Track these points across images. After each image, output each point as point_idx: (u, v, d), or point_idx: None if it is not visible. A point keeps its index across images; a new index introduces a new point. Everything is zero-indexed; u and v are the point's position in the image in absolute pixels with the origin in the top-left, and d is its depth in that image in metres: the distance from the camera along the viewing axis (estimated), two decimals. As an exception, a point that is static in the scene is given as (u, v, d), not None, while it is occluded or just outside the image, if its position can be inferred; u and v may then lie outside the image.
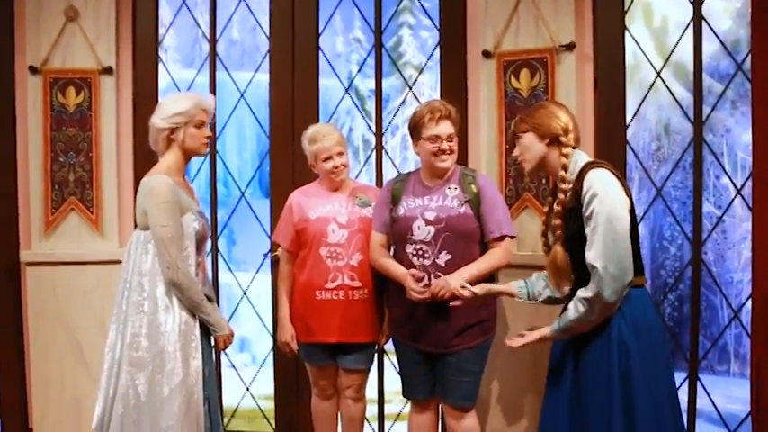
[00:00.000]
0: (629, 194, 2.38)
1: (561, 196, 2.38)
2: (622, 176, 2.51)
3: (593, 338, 2.34)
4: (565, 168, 2.39)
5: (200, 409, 2.52)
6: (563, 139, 2.42)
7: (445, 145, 2.83)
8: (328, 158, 3.06)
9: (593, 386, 2.33)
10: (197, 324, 2.56)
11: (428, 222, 2.79)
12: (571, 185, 2.37)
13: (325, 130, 3.12)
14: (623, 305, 2.31)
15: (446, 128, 2.83)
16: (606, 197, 2.27)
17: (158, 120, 2.63)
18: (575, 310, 2.33)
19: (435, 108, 2.86)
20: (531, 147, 2.47)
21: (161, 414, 2.47)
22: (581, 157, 2.43)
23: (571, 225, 2.37)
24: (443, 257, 2.77)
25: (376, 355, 3.40)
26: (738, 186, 3.43)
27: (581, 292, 2.32)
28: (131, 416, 2.50)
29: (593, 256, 2.27)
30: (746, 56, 3.22)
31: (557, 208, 2.38)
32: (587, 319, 2.31)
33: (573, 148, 2.44)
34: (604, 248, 2.25)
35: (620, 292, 2.27)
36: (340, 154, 3.06)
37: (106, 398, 2.56)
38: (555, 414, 2.44)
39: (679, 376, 3.38)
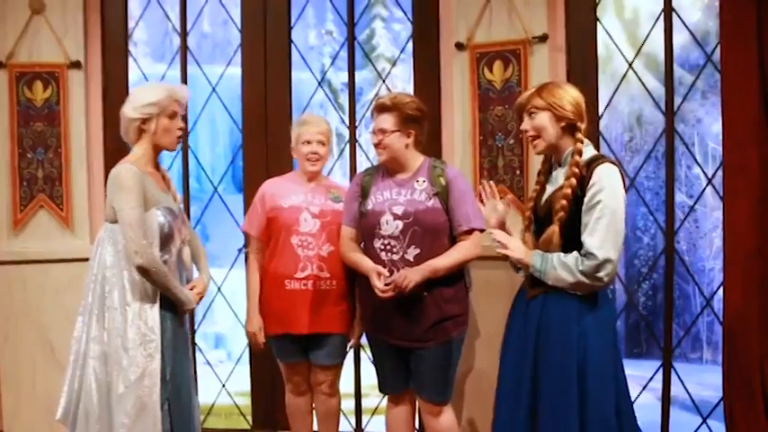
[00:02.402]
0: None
1: (573, 181, 2.36)
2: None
3: (556, 324, 2.37)
4: (579, 154, 2.39)
5: (156, 412, 2.46)
6: (579, 124, 2.41)
7: (375, 139, 2.82)
8: (308, 142, 3.05)
9: (551, 368, 2.36)
10: (158, 324, 2.50)
11: (396, 217, 2.77)
12: (582, 173, 2.37)
13: (314, 118, 3.12)
14: (589, 298, 2.36)
15: (379, 121, 2.81)
16: (615, 193, 2.30)
17: (129, 109, 2.56)
18: (566, 271, 2.33)
19: (377, 102, 2.85)
20: (547, 127, 2.43)
21: (116, 411, 2.44)
22: (589, 149, 2.43)
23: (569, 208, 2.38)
24: (412, 252, 2.75)
25: (352, 349, 3.40)
26: (709, 176, 3.48)
27: (580, 264, 2.32)
28: (94, 411, 2.47)
29: (595, 244, 2.29)
30: (716, 47, 3.25)
31: (567, 191, 2.36)
32: (566, 281, 2.34)
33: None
34: (606, 240, 2.28)
35: (604, 284, 2.32)
36: (320, 143, 3.04)
37: (71, 390, 2.53)
38: (516, 393, 2.45)
39: (653, 364, 3.44)
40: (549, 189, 2.48)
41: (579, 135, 2.40)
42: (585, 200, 2.32)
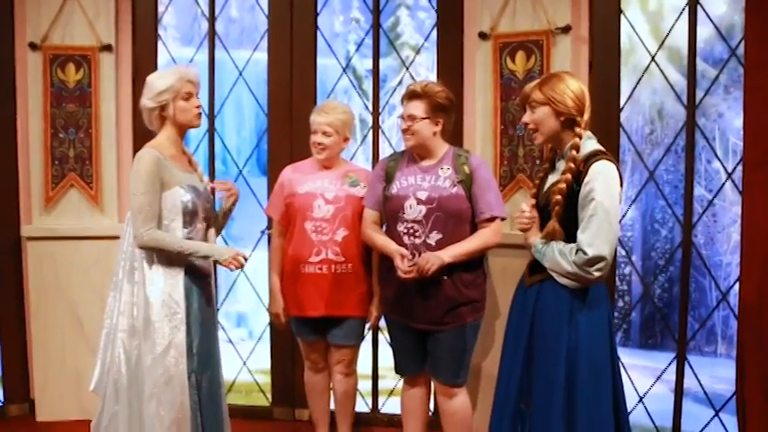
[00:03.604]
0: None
1: (568, 176, 2.36)
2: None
3: (550, 312, 2.40)
4: (577, 149, 2.38)
5: (184, 381, 2.53)
6: (579, 119, 2.41)
7: (404, 125, 2.84)
8: (314, 132, 3.07)
9: (542, 353, 2.40)
10: (182, 297, 2.56)
11: (420, 201, 2.79)
12: (579, 168, 2.37)
13: (328, 107, 3.10)
14: (582, 293, 2.37)
15: (409, 108, 2.84)
16: (609, 191, 2.30)
17: (146, 100, 2.64)
18: (563, 258, 2.36)
19: (409, 88, 2.87)
20: (545, 121, 2.43)
21: (144, 382, 2.52)
22: (590, 142, 2.42)
23: (566, 201, 2.38)
24: (434, 237, 2.77)
25: (370, 331, 3.41)
26: (729, 170, 3.43)
27: (573, 255, 2.34)
28: (122, 382, 2.55)
29: (586, 240, 2.30)
30: (740, 41, 3.20)
31: (561, 186, 2.37)
32: (563, 269, 2.36)
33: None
34: (596, 238, 2.29)
35: (595, 279, 2.33)
36: (325, 134, 3.04)
37: (103, 362, 2.61)
38: (509, 375, 2.50)
39: (667, 356, 3.43)
40: (551, 179, 2.49)
41: (578, 129, 2.40)
42: (580, 196, 2.33)
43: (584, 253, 2.30)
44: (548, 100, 2.41)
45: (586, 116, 2.42)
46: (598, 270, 2.31)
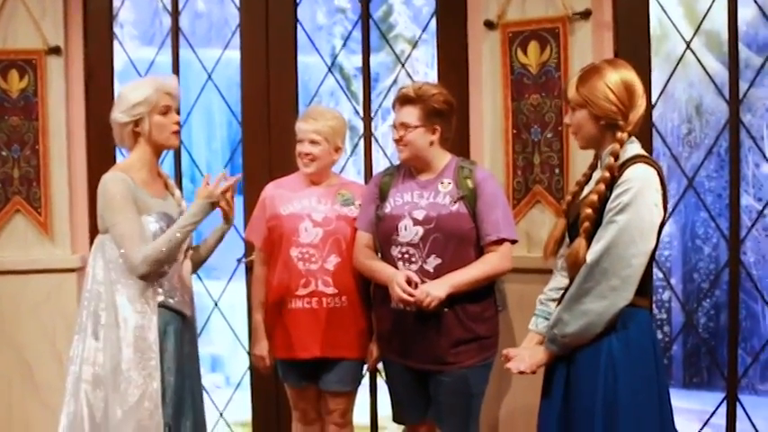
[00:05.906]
0: (665, 204, 2.36)
1: (602, 186, 2.33)
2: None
3: (583, 353, 2.36)
4: (615, 156, 2.35)
5: None
6: (621, 123, 2.37)
7: (396, 134, 2.84)
8: (300, 142, 3.06)
9: (578, 401, 2.36)
10: (156, 342, 2.57)
11: (416, 222, 2.77)
12: (614, 176, 2.34)
13: (316, 113, 3.10)
14: (618, 324, 2.32)
15: (401, 115, 2.83)
16: (639, 198, 2.26)
17: (119, 113, 2.66)
18: (569, 323, 2.35)
19: (400, 92, 2.87)
20: (584, 126, 2.42)
21: None
22: (632, 147, 2.38)
23: (599, 216, 2.35)
24: (432, 262, 2.75)
25: (367, 375, 3.39)
26: (781, 174, 3.44)
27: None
28: None
29: (594, 249, 2.28)
30: (789, 23, 3.22)
31: (593, 198, 2.34)
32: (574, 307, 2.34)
33: (629, 134, 2.38)
34: (608, 250, 2.26)
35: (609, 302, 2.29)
36: (313, 142, 3.03)
37: (68, 415, 2.60)
38: (547, 425, 2.47)
39: (716, 396, 3.39)
40: (587, 190, 2.47)
41: (620, 134, 2.36)
42: (608, 205, 2.29)
43: (585, 265, 2.27)
44: (584, 102, 2.38)
45: (633, 117, 2.37)
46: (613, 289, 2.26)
